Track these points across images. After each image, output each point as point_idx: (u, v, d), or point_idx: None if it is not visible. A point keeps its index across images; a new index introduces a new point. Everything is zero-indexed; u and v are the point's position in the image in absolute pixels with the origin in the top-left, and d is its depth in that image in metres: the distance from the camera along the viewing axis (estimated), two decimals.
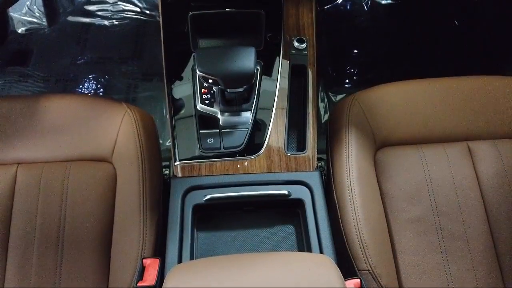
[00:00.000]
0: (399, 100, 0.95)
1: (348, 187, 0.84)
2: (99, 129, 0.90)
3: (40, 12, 1.75)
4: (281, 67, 0.97)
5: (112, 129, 0.90)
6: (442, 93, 0.95)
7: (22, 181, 0.84)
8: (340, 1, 1.84)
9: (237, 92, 0.85)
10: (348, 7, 1.84)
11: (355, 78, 1.69)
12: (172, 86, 0.95)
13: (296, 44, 0.99)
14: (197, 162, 0.87)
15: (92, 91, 1.63)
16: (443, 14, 1.77)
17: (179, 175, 0.87)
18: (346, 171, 0.86)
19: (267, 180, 0.86)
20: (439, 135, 0.92)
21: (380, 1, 1.85)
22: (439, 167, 0.88)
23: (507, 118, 0.93)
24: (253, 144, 0.90)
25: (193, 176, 0.86)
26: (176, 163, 0.88)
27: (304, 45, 0.99)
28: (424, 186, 0.87)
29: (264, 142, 0.90)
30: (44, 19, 1.76)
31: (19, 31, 1.75)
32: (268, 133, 0.91)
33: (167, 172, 1.08)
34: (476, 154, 0.90)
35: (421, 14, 1.82)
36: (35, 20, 1.76)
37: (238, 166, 0.87)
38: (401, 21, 1.84)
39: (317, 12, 1.06)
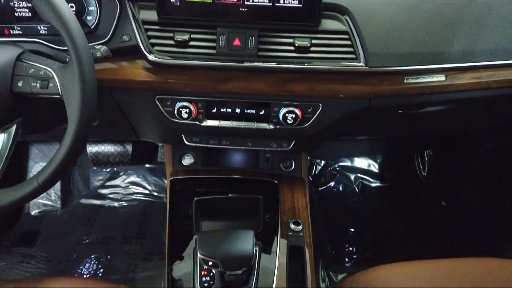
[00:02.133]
0: (400, 283, 0.95)
1: None
2: None
3: (56, 196, 1.90)
4: (279, 247, 1.01)
5: None
6: (444, 274, 0.96)
7: None
8: (332, 184, 2.01)
9: (236, 274, 0.87)
10: (340, 188, 2.00)
11: (354, 256, 1.70)
12: (173, 266, 0.98)
13: (292, 226, 1.06)
14: None
15: (91, 272, 1.62)
16: (430, 195, 1.91)
17: None
18: None
19: None
20: None
21: (370, 184, 2.02)
22: None
23: None
24: None
25: None
26: None
27: (300, 227, 1.05)
28: None
29: None
30: (59, 202, 1.89)
31: (33, 213, 1.86)
32: None
33: None
34: None
35: (410, 195, 1.97)
36: (49, 202, 1.89)
37: None
38: (392, 202, 1.97)
39: (311, 195, 1.17)
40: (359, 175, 2.03)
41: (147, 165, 1.88)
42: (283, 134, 1.01)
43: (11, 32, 0.99)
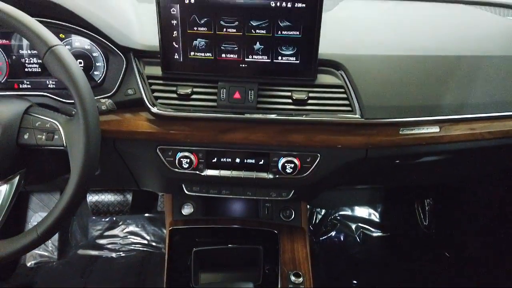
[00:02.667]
0: None
1: None
2: None
3: (53, 246, 1.86)
4: None
5: None
6: None
7: None
8: (333, 234, 1.98)
9: None
10: (342, 238, 1.97)
11: None
12: None
13: (293, 278, 1.04)
14: None
15: None
16: (432, 245, 1.88)
17: None
18: None
19: None
20: None
21: (371, 233, 2.00)
22: None
23: None
24: None
25: None
26: None
27: (301, 279, 1.04)
28: None
29: None
30: (56, 253, 1.85)
31: (28, 264, 1.82)
32: None
33: None
34: None
35: (412, 245, 1.93)
36: (46, 253, 1.85)
37: None
38: (394, 252, 1.94)
39: (312, 246, 1.16)
40: (360, 224, 2.01)
41: (146, 215, 1.87)
42: (283, 183, 1.02)
43: (20, 87, 1.03)
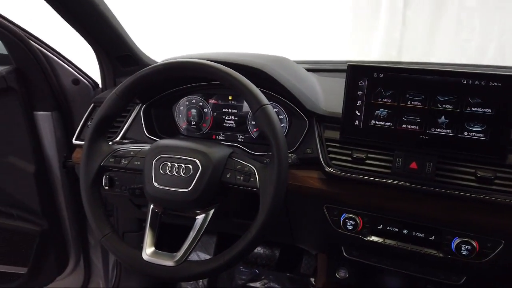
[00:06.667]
0: None
1: None
2: None
3: (203, 285, 2.00)
4: None
5: None
6: None
7: None
8: None
9: None
10: None
11: None
12: None
13: None
14: None
15: None
16: None
17: None
18: None
19: None
20: None
21: None
22: None
23: None
24: None
25: None
26: None
27: None
28: None
29: None
30: None
31: None
32: None
33: None
34: None
35: None
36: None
37: None
38: None
39: None
40: None
41: (288, 274, 1.89)
42: (454, 265, 0.94)
43: (217, 138, 1.24)
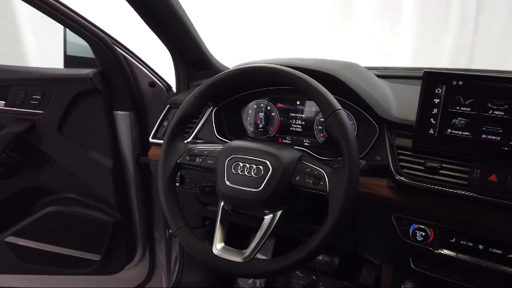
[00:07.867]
0: None
1: None
2: None
3: (260, 286, 2.02)
4: None
5: None
6: None
7: None
8: None
9: None
10: None
11: None
12: None
13: None
14: None
15: None
16: None
17: None
18: None
19: None
20: None
21: None
22: None
23: None
24: None
25: None
26: None
27: None
28: None
29: None
30: None
31: None
32: None
33: None
34: None
35: None
36: None
37: None
38: None
39: None
40: None
41: (346, 283, 1.86)
42: None
43: (283, 141, 1.26)
